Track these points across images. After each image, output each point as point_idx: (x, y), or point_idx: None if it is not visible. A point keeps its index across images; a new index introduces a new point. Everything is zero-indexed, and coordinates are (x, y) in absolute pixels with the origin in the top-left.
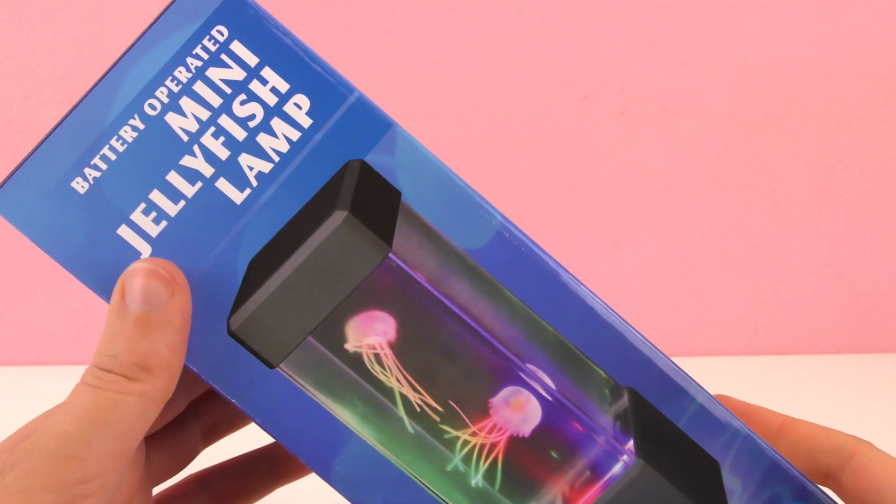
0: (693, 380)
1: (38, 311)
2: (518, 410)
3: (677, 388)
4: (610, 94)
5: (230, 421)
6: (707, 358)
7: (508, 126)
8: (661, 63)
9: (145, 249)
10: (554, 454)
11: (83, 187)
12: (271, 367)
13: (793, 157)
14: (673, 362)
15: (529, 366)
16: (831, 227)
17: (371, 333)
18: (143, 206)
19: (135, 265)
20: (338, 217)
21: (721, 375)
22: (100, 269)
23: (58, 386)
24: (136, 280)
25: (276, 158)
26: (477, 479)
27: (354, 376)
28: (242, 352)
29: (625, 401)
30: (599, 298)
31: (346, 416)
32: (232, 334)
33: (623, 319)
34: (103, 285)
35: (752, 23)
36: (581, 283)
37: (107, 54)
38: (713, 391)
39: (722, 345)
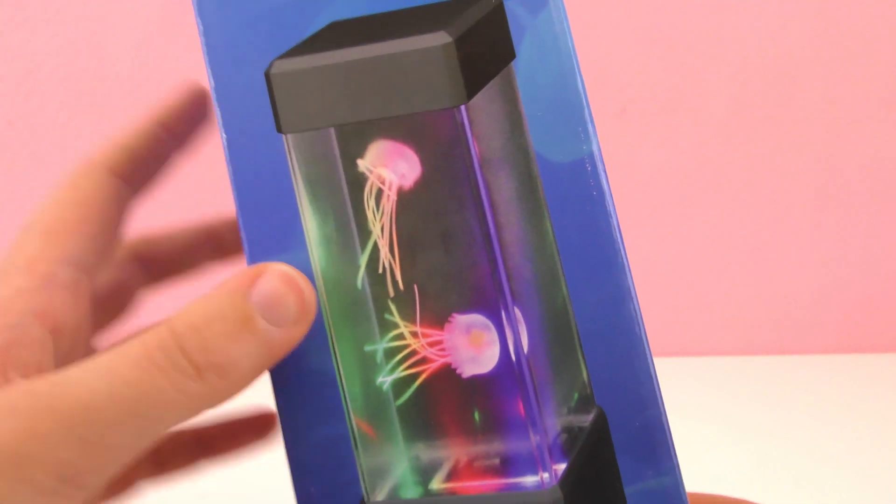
0: (675, 455)
1: None
2: (473, 346)
3: (651, 449)
4: (610, 94)
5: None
6: (707, 358)
7: None
8: (661, 63)
9: None
10: (477, 415)
11: None
12: (280, 131)
13: (793, 157)
14: (668, 423)
15: (517, 310)
16: (831, 227)
17: (389, 167)
18: None
19: (283, 268)
20: (440, 38)
21: (721, 375)
22: None
23: None
24: (276, 285)
25: None
26: (385, 380)
27: (345, 195)
28: (266, 98)
29: (587, 420)
30: (638, 304)
31: (311, 225)
32: (267, 77)
33: (647, 344)
34: None
35: (752, 23)
36: (630, 274)
37: (107, 55)
38: (713, 391)
39: (722, 345)
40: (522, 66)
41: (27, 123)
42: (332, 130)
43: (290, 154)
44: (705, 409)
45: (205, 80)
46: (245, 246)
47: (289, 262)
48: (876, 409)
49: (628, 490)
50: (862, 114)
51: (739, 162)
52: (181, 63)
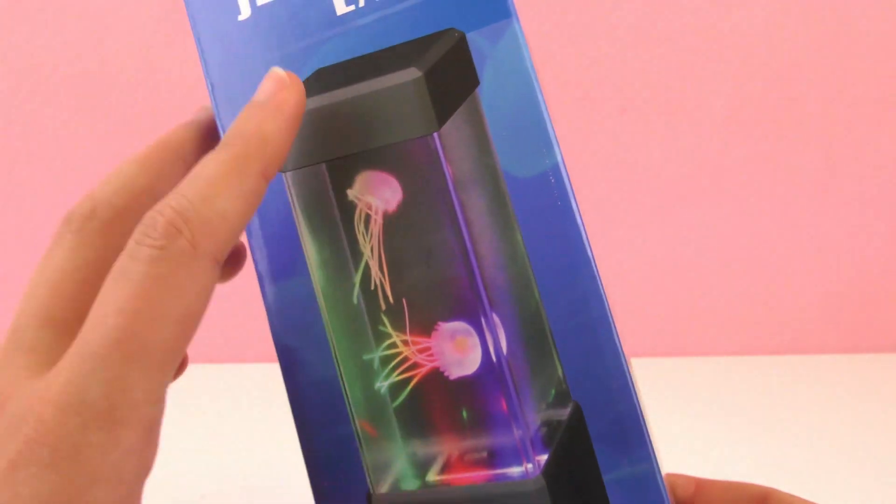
0: (650, 444)
1: None
2: (458, 351)
3: (625, 439)
4: (610, 93)
5: None
6: (707, 358)
7: None
8: (661, 63)
9: (245, 10)
10: (464, 413)
11: None
12: (280, 171)
13: (793, 156)
14: (642, 413)
15: (495, 316)
16: (832, 227)
17: (375, 194)
18: None
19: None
20: (411, 73)
21: (721, 375)
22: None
23: None
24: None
25: None
26: (382, 385)
27: (338, 221)
28: None
29: (565, 413)
30: (608, 303)
31: (310, 251)
32: None
33: (618, 340)
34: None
35: (752, 22)
36: (599, 277)
37: (107, 54)
38: (713, 391)
39: (722, 345)
40: (487, 91)
41: (27, 123)
42: (323, 166)
43: (289, 190)
44: (705, 409)
45: (202, 81)
46: (258, 275)
47: (293, 286)
48: (876, 410)
49: (606, 478)
50: (862, 114)
51: (739, 161)
52: (181, 63)
